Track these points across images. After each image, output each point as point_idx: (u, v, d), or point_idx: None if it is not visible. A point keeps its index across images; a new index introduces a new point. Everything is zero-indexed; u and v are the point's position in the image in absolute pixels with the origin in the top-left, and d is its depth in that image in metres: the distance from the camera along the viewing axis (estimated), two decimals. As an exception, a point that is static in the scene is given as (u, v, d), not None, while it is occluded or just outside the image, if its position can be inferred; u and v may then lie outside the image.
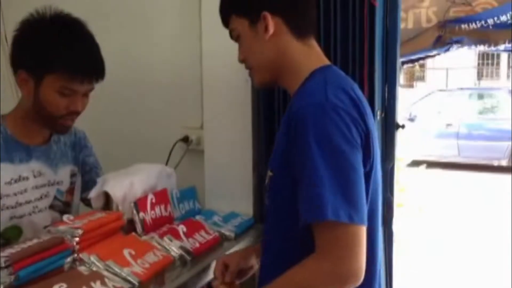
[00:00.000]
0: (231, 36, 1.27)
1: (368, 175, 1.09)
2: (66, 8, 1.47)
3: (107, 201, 1.52)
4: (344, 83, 1.14)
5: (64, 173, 1.59)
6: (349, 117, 1.04)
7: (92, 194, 1.49)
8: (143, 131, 2.10)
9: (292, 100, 1.17)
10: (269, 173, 1.17)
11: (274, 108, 1.73)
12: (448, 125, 9.23)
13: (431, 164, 7.35)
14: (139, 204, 1.50)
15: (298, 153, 1.05)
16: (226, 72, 1.74)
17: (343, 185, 1.01)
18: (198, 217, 1.69)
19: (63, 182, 1.58)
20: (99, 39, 1.48)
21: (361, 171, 1.04)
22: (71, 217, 1.38)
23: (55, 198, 1.57)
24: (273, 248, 1.21)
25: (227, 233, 1.63)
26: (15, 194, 1.46)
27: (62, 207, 1.58)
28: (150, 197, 1.54)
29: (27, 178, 1.49)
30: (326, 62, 1.23)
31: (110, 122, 2.12)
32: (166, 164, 1.89)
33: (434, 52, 3.39)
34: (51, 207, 1.55)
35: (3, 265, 1.08)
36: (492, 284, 4.13)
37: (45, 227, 1.49)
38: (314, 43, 1.24)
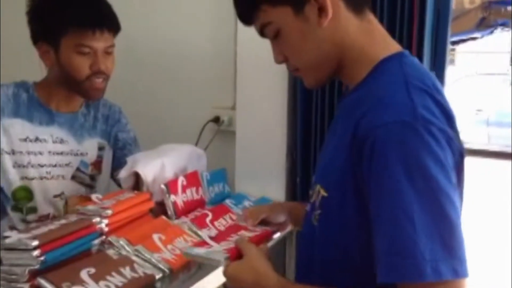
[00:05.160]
0: (263, 34, 0.97)
1: None
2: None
3: (136, 181, 1.47)
4: (426, 80, 0.88)
5: (90, 145, 1.56)
6: (444, 135, 0.80)
7: (122, 174, 1.44)
8: (172, 111, 2.05)
9: (353, 95, 0.94)
10: (321, 191, 0.94)
11: (313, 90, 1.65)
12: (478, 111, 8.98)
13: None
14: (170, 186, 1.44)
15: (376, 182, 0.81)
16: (262, 50, 1.63)
17: (442, 227, 0.76)
18: (227, 201, 1.64)
19: (88, 153, 1.55)
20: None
21: (458, 205, 0.81)
22: (100, 196, 1.35)
23: (78, 169, 1.53)
24: (318, 275, 0.98)
25: (258, 219, 1.56)
26: (28, 153, 1.45)
27: (86, 179, 1.56)
28: (181, 179, 1.49)
29: (44, 141, 1.48)
30: (394, 45, 0.96)
31: (139, 100, 2.07)
32: (196, 145, 1.84)
33: (476, 34, 3.20)
34: (73, 177, 1.53)
35: (31, 247, 1.03)
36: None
37: (55, 196, 1.48)
38: (372, 16, 0.96)
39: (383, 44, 0.95)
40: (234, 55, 1.79)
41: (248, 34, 1.69)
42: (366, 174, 0.82)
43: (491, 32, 3.09)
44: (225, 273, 1.01)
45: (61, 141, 1.50)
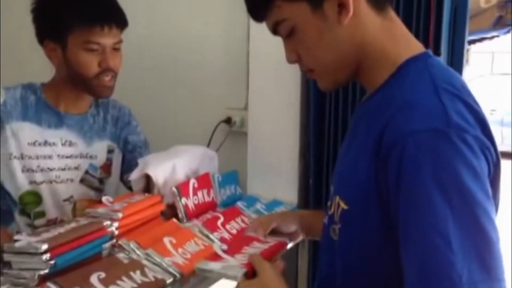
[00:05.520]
0: (276, 32, 0.91)
1: None
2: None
3: (147, 184, 1.45)
4: (455, 82, 0.82)
5: (99, 148, 1.54)
6: (479, 144, 0.74)
7: (133, 176, 1.42)
8: (184, 111, 2.03)
9: (374, 99, 0.88)
10: (340, 204, 0.88)
11: (327, 92, 1.62)
12: (492, 111, 8.86)
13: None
14: (181, 189, 1.42)
15: (405, 195, 0.74)
16: (275, 50, 1.61)
17: (480, 245, 0.70)
18: (239, 203, 1.61)
19: (97, 156, 1.53)
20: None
21: (495, 219, 0.74)
22: (110, 199, 1.33)
23: (87, 172, 1.51)
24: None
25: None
26: (37, 158, 1.43)
27: (95, 182, 1.54)
28: (193, 181, 1.47)
29: (54, 144, 1.45)
30: (417, 45, 0.90)
31: (150, 101, 2.05)
32: (208, 146, 1.82)
33: (493, 34, 3.14)
34: (82, 180, 1.51)
35: (41, 251, 1.01)
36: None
37: (65, 200, 1.46)
38: (393, 14, 0.90)
39: (406, 44, 0.89)
40: (246, 54, 1.76)
41: (261, 33, 1.66)
42: (393, 185, 0.76)
43: (508, 31, 3.03)
44: None
45: (70, 144, 1.48)
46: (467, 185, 0.71)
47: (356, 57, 0.88)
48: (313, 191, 1.70)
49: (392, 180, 0.76)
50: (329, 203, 0.95)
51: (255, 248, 1.21)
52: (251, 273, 1.00)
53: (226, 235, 1.36)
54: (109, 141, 1.57)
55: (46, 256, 1.02)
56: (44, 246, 1.02)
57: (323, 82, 0.94)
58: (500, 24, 2.95)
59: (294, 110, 1.67)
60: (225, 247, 1.18)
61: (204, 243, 1.29)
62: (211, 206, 1.52)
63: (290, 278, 0.96)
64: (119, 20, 1.42)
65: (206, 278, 1.17)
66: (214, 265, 1.08)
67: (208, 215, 1.45)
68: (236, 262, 1.09)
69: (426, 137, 0.73)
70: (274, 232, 1.32)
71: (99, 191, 1.55)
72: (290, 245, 1.31)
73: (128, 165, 1.59)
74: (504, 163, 0.79)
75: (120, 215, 1.21)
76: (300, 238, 1.27)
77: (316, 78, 0.94)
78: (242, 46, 1.80)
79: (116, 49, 1.43)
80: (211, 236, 1.33)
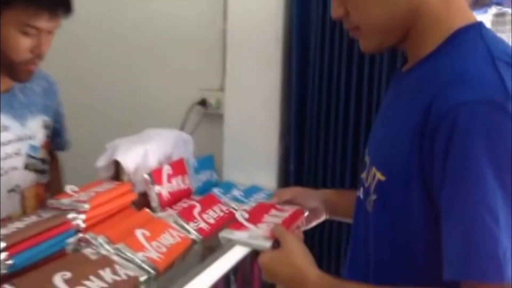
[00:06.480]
0: None
1: None
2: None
3: (116, 171, 1.35)
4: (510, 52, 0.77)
5: (34, 125, 1.39)
6: None
7: (101, 162, 1.33)
8: (156, 93, 1.95)
9: (421, 68, 0.84)
10: (377, 175, 0.85)
11: (309, 70, 1.53)
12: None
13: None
14: (154, 176, 1.34)
15: (454, 167, 0.72)
16: (254, 28, 1.57)
17: None
18: (216, 190, 1.55)
19: (35, 136, 1.39)
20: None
21: None
22: (75, 188, 1.23)
23: (29, 155, 1.37)
24: (375, 265, 0.90)
25: (251, 210, 1.45)
26: None
27: (39, 165, 1.40)
28: (166, 167, 1.39)
29: None
30: (472, 15, 0.84)
31: (120, 82, 1.97)
32: (181, 129, 1.75)
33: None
34: (26, 166, 1.36)
35: (-5, 250, 0.90)
36: None
37: (10, 190, 1.32)
38: None
39: (460, 12, 0.83)
40: (222, 33, 1.70)
41: (239, 10, 1.56)
42: (440, 157, 0.72)
43: (486, 11, 3.01)
44: (261, 263, 0.95)
45: (6, 129, 1.31)
46: None
47: (408, 21, 0.83)
48: (294, 176, 1.63)
49: (439, 152, 0.73)
50: (363, 176, 0.93)
51: (274, 216, 1.15)
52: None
53: (204, 225, 1.28)
54: (43, 116, 1.42)
55: (4, 255, 0.92)
56: (2, 244, 0.92)
57: (367, 42, 0.89)
58: (478, 4, 2.92)
59: (274, 91, 1.61)
60: (246, 215, 1.13)
61: (180, 235, 1.21)
62: (186, 194, 1.45)
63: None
64: (68, 8, 1.26)
65: (183, 274, 1.09)
66: (240, 234, 1.05)
67: (184, 204, 1.38)
68: (261, 232, 1.05)
69: (481, 108, 0.69)
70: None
71: (44, 173, 1.43)
72: (306, 214, 1.24)
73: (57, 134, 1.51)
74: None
75: (86, 206, 1.13)
76: (323, 217, 1.21)
77: (361, 37, 0.88)
78: (218, 24, 1.74)
79: (50, 33, 1.28)
80: (187, 226, 1.25)
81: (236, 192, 1.57)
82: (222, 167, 1.71)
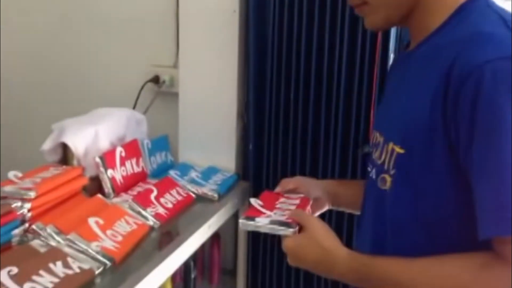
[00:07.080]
0: None
1: None
2: None
3: (64, 154, 1.26)
4: None
5: None
6: None
7: (46, 145, 1.24)
8: (105, 70, 1.83)
9: (430, 44, 0.85)
10: (395, 149, 0.85)
11: (267, 44, 1.47)
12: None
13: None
14: (107, 159, 1.26)
15: (482, 127, 0.72)
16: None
17: None
18: (172, 173, 1.48)
19: None
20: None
21: None
22: (19, 174, 1.14)
23: None
24: (398, 240, 0.90)
25: (209, 193, 1.39)
26: None
27: None
28: (119, 149, 1.32)
29: None
30: None
31: (65, 58, 1.83)
32: (134, 108, 1.66)
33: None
34: None
35: None
36: None
37: None
38: None
39: None
40: (175, 6, 1.60)
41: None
42: (466, 118, 0.73)
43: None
44: (286, 248, 0.92)
45: None
46: None
47: None
48: (253, 156, 1.57)
49: (465, 114, 0.73)
50: (376, 154, 0.92)
51: (285, 203, 1.12)
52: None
53: (162, 210, 1.22)
54: None
55: None
56: None
57: (375, 17, 0.90)
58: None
59: (231, 67, 1.53)
60: (260, 202, 1.08)
61: (136, 221, 1.15)
62: (141, 177, 1.39)
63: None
64: None
65: (142, 264, 1.02)
66: (262, 220, 1.00)
67: (139, 188, 1.32)
68: (281, 217, 1.01)
69: (504, 64, 0.71)
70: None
71: None
72: (311, 202, 1.19)
73: None
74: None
75: (32, 194, 1.06)
76: (326, 207, 1.20)
77: (368, 12, 0.90)
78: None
79: None
80: (143, 212, 1.19)
81: (193, 174, 1.51)
82: (177, 148, 1.64)
